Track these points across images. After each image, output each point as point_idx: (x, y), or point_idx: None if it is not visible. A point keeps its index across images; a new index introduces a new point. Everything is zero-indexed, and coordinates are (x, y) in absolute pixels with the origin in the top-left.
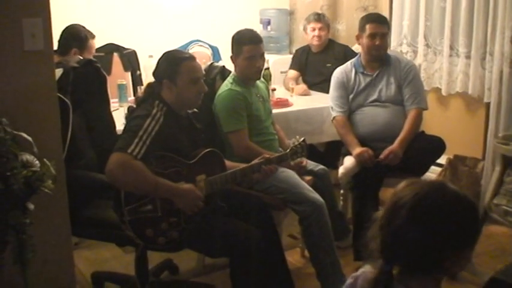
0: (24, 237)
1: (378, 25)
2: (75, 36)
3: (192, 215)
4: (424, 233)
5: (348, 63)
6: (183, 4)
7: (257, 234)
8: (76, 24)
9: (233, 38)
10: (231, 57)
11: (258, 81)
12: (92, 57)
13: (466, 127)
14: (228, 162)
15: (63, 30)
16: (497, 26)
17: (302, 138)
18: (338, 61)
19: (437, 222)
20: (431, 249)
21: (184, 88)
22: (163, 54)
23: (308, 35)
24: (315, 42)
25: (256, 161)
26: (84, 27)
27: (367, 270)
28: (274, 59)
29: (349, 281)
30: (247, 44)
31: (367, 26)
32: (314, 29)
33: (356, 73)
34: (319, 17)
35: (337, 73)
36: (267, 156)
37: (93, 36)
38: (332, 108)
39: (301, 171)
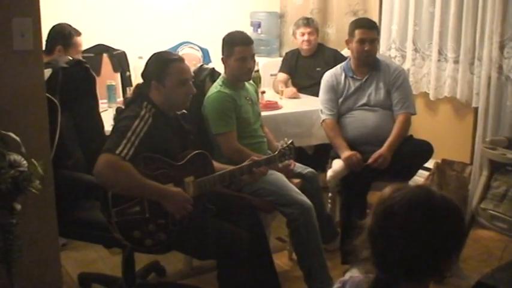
0: (11, 237)
1: (367, 31)
2: (59, 33)
3: (180, 218)
4: (421, 240)
5: (338, 66)
6: (173, 6)
7: (245, 237)
8: (61, 23)
9: (224, 39)
10: (222, 58)
11: (247, 84)
12: (79, 57)
13: (454, 132)
14: (216, 164)
15: (50, 30)
16: (485, 31)
17: (290, 141)
18: (328, 65)
19: (432, 228)
20: (428, 255)
21: (173, 89)
22: (152, 55)
23: (297, 40)
24: (305, 46)
25: (245, 163)
26: (70, 25)
27: (354, 275)
28: (264, 61)
29: (336, 285)
30: (238, 45)
31: (357, 32)
32: (303, 34)
33: (346, 77)
34: (308, 22)
35: (327, 76)
36: (255, 158)
37: (78, 34)
38: (321, 111)
39: (289, 173)
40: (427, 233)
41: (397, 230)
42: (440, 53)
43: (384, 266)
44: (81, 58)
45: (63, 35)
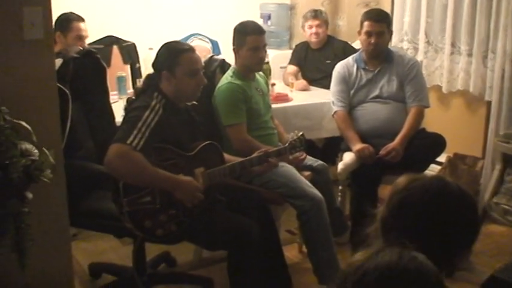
0: (23, 226)
1: (374, 23)
2: (56, 20)
3: (191, 208)
4: (436, 231)
5: (350, 58)
6: None
7: (255, 228)
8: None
9: (235, 29)
10: (234, 48)
11: (257, 75)
12: (84, 44)
13: (467, 125)
14: (227, 156)
15: None
16: (499, 23)
17: (301, 133)
18: (337, 57)
19: (447, 219)
20: (442, 246)
21: (183, 80)
22: (163, 45)
23: (306, 33)
24: (313, 39)
25: (255, 154)
26: (72, 12)
27: None
28: (274, 54)
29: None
30: (250, 35)
31: (365, 24)
32: (311, 27)
33: (358, 68)
34: (316, 14)
35: (339, 67)
36: (265, 149)
37: (80, 19)
38: (333, 102)
39: (300, 165)
40: (442, 224)
41: (412, 220)
42: (453, 45)
43: None
44: (89, 48)
45: (59, 20)
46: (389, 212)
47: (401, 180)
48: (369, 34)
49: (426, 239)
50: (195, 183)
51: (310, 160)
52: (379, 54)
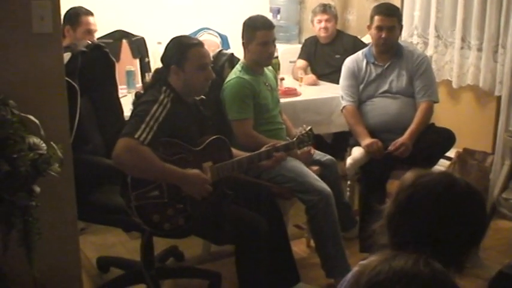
0: (30, 220)
1: (384, 18)
2: (65, 15)
3: (199, 202)
4: (443, 228)
5: (360, 52)
6: None
7: (263, 223)
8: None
9: (245, 23)
10: (243, 43)
11: (266, 70)
12: (93, 37)
13: (476, 120)
14: (235, 151)
15: None
16: (510, 18)
17: (309, 127)
18: (347, 52)
19: (455, 216)
20: (450, 243)
21: (192, 74)
22: (172, 39)
23: (315, 27)
24: (322, 34)
25: (263, 148)
26: (81, 6)
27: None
28: (284, 48)
29: (356, 268)
30: (260, 29)
31: (375, 18)
32: (320, 21)
33: (367, 63)
34: (325, 9)
35: (348, 62)
36: (273, 144)
37: (89, 13)
38: (342, 97)
39: (308, 160)
40: (450, 221)
41: (419, 217)
42: (463, 40)
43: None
44: (98, 42)
45: (68, 14)
46: (396, 208)
47: (408, 176)
48: (379, 28)
49: (433, 235)
50: (202, 176)
51: (319, 155)
52: (390, 49)
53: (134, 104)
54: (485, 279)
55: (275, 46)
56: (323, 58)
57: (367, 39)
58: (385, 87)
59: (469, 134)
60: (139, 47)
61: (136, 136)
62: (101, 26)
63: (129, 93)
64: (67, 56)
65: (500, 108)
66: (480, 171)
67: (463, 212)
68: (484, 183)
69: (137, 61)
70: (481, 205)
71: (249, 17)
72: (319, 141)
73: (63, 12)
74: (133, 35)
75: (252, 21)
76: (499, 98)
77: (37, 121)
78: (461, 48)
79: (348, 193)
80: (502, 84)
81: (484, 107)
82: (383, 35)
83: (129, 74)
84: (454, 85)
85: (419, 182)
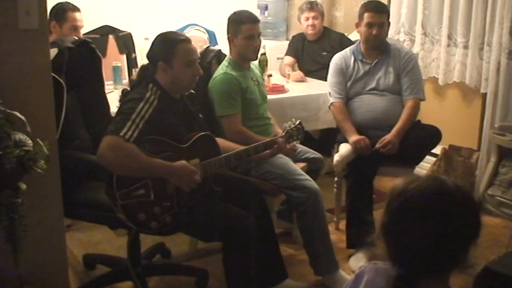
0: (16, 217)
1: (375, 14)
2: (51, 10)
3: (186, 199)
4: (439, 232)
5: (348, 49)
6: None
7: (250, 219)
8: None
9: (230, 18)
10: (228, 38)
11: (252, 65)
12: (79, 33)
13: (462, 117)
14: (229, 143)
15: None
16: (496, 16)
17: (298, 121)
18: (334, 49)
19: (449, 219)
20: (447, 246)
21: (180, 71)
22: (158, 35)
23: (302, 24)
24: (310, 31)
25: (253, 145)
26: (68, 2)
27: (361, 260)
28: (271, 45)
29: (358, 271)
30: (245, 23)
31: (365, 15)
32: (308, 19)
33: (355, 60)
34: (312, 6)
35: (336, 59)
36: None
37: (75, 9)
38: (330, 94)
39: (292, 156)
40: (445, 224)
41: (414, 224)
42: (449, 37)
43: (404, 261)
44: (85, 38)
45: (54, 10)
46: (389, 217)
47: (398, 185)
48: (370, 25)
49: (430, 239)
50: (189, 167)
51: (306, 151)
52: (379, 46)
53: (121, 101)
54: (470, 274)
55: (260, 41)
56: (310, 55)
57: (354, 36)
58: (373, 84)
59: (455, 130)
60: (126, 43)
61: (121, 134)
62: (88, 21)
63: (116, 89)
64: (53, 51)
65: (485, 105)
66: (466, 167)
67: (456, 212)
68: (470, 180)
69: (124, 57)
70: (472, 203)
71: (234, 11)
72: (306, 138)
73: (49, 7)
74: (120, 30)
75: (237, 15)
76: (484, 95)
77: (23, 117)
78: (448, 45)
79: (335, 190)
80: (487, 81)
81: (469, 104)
82: (374, 32)
83: (116, 70)
84: (441, 82)
85: (409, 188)
